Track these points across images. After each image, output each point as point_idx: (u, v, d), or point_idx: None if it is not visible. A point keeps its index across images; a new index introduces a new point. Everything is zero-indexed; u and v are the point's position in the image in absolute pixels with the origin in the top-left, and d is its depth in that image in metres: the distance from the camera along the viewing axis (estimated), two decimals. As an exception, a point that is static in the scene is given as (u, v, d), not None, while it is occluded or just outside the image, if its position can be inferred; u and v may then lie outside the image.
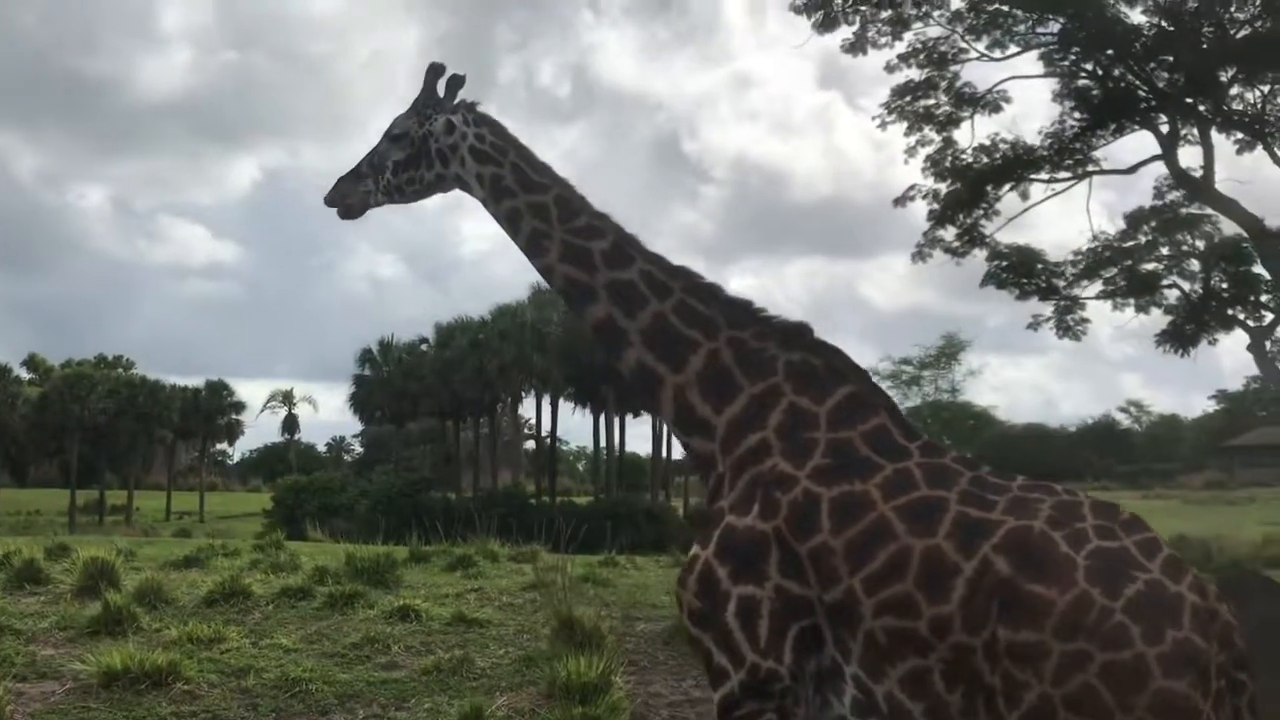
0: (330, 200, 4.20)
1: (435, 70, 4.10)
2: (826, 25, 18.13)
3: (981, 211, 19.54)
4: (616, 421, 64.79)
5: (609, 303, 3.76)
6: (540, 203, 3.91)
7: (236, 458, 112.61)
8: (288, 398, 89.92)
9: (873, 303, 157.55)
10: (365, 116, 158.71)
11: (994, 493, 3.13)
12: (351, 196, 4.16)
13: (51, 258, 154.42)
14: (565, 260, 3.84)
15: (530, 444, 71.57)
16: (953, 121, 18.80)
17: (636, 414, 67.00)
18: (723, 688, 3.27)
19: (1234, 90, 20.05)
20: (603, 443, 67.71)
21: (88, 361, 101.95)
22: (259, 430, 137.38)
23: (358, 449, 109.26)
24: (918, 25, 18.33)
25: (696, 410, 3.62)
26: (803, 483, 3.26)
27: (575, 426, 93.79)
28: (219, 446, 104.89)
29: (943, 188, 19.40)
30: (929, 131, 18.92)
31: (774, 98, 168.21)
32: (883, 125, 19.28)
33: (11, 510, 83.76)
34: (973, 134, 18.85)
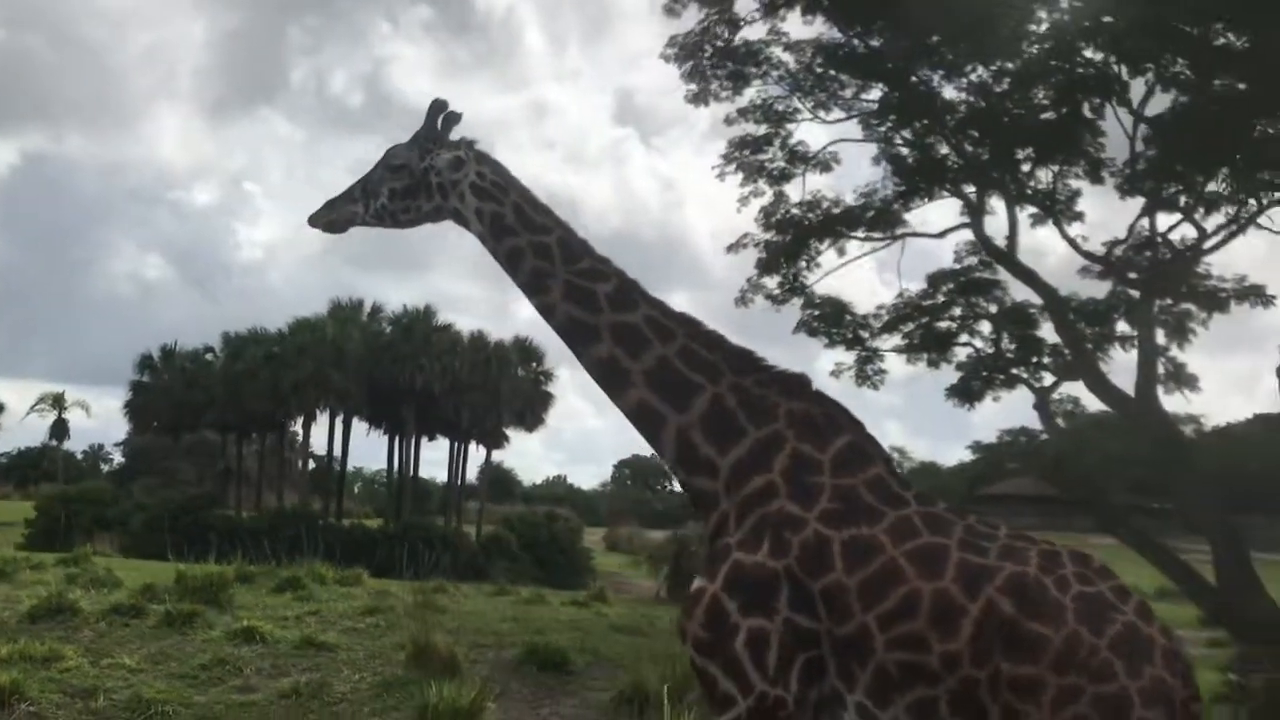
0: (314, 220, 4.25)
1: (438, 107, 4.23)
2: (699, 98, 19.09)
3: (804, 264, 20.54)
4: (410, 444, 63.72)
5: (612, 343, 3.95)
6: (543, 243, 4.08)
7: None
8: (58, 401, 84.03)
9: None
10: (140, 108, 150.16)
11: (986, 540, 3.51)
12: (337, 214, 4.23)
13: None
14: (568, 300, 4.01)
15: (306, 463, 69.33)
16: (785, 177, 19.78)
17: (432, 437, 66.14)
18: (729, 713, 3.51)
19: (1029, 169, 21.77)
20: (390, 465, 66.56)
21: None
22: (9, 434, 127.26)
23: (118, 459, 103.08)
24: (757, 83, 19.24)
25: (700, 450, 3.85)
26: (812, 524, 3.55)
27: (356, 448, 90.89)
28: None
29: (768, 237, 20.29)
30: (762, 184, 19.81)
31: (570, 128, 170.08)
32: (721, 175, 20.11)
33: None
34: (803, 190, 19.87)
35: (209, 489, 66.16)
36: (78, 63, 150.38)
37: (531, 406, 61.74)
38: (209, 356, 66.21)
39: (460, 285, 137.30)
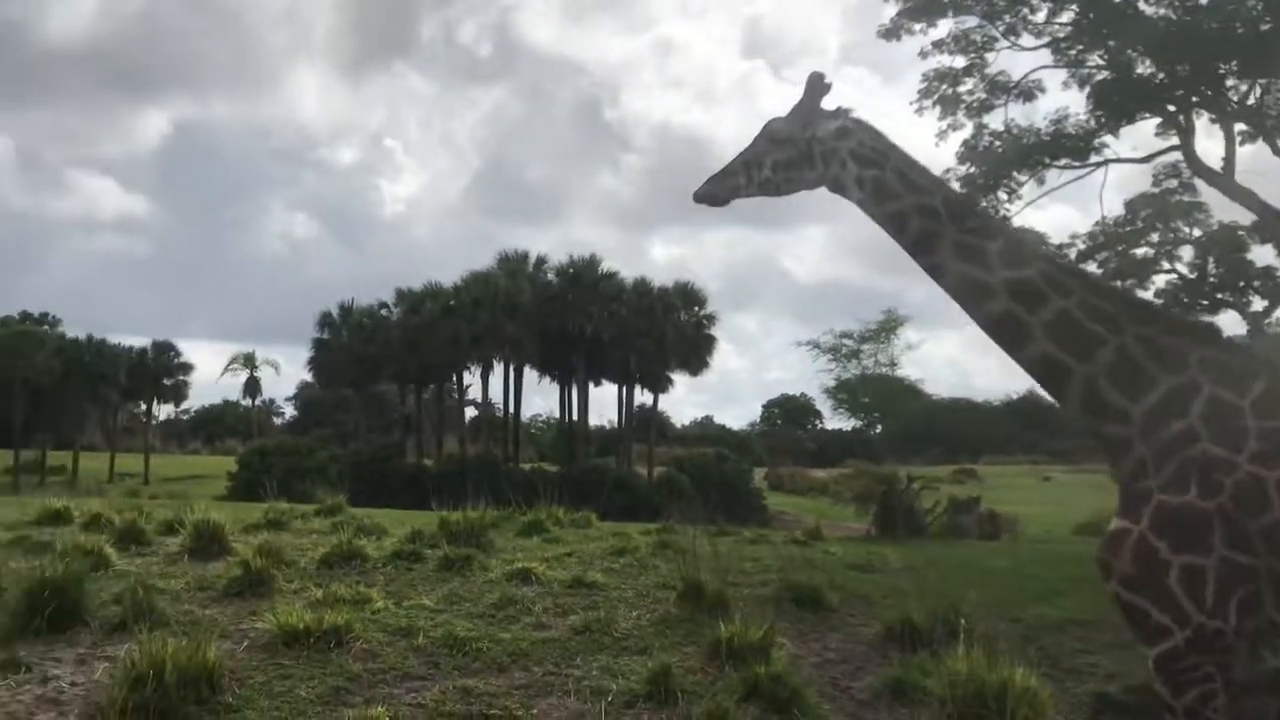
0: (699, 195, 4.56)
1: (815, 80, 4.47)
2: (892, 32, 18.77)
3: (1005, 196, 20.21)
4: (576, 391, 65.19)
5: (1008, 299, 4.15)
6: (927, 205, 4.29)
7: (163, 418, 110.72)
8: (249, 360, 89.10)
9: (792, 274, 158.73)
10: (278, 69, 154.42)
11: None
12: (720, 189, 4.53)
13: None
14: (959, 258, 4.22)
15: (487, 411, 71.62)
16: (985, 108, 19.45)
17: (598, 383, 67.48)
18: (1164, 644, 3.74)
19: (1236, 84, 20.81)
20: (562, 411, 68.27)
21: (12, 319, 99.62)
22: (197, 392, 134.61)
23: (289, 413, 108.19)
24: (952, 14, 18.87)
25: (1109, 399, 4.04)
26: (1244, 466, 3.73)
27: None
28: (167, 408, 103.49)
29: (965, 170, 20.01)
30: (961, 116, 19.53)
31: (697, 66, 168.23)
32: (919, 110, 19.87)
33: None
34: (1005, 120, 19.49)
35: (393, 439, 69.16)
36: (218, 27, 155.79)
37: (695, 350, 62.42)
38: (384, 312, 68.72)
39: (594, 231, 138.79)
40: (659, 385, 65.48)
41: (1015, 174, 20.01)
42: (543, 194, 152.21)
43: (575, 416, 66.26)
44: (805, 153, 4.40)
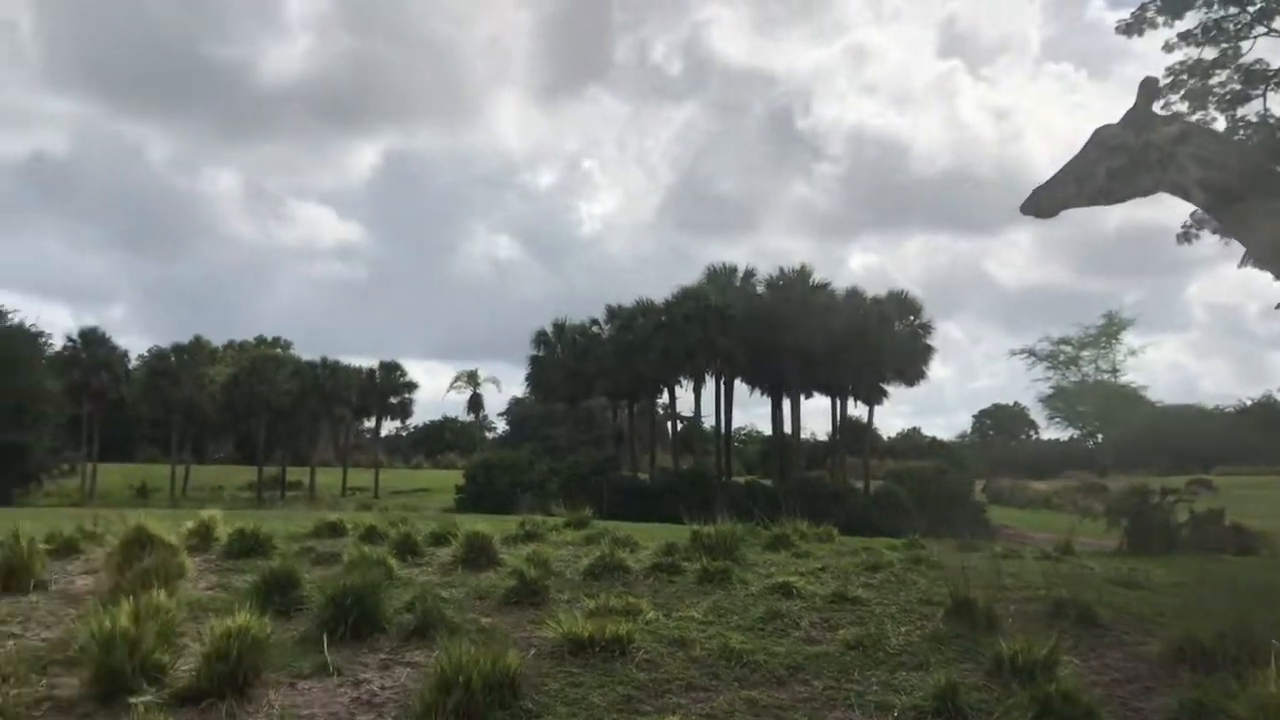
0: (1026, 208, 4.54)
1: (1149, 84, 4.38)
2: (1133, 27, 17.98)
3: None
4: (788, 404, 64.83)
5: None
6: (1277, 208, 4.15)
7: (384, 434, 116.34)
8: (472, 378, 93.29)
9: (997, 280, 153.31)
10: (479, 99, 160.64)
11: None
12: (1047, 201, 4.49)
13: (187, 241, 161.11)
14: None
15: (697, 424, 72.15)
16: (1240, 99, 18.33)
17: (809, 395, 66.96)
18: None
19: None
20: (774, 425, 67.96)
21: (249, 343, 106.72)
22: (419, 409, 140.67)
23: (500, 428, 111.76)
24: (1201, 4, 17.91)
25: None
26: None
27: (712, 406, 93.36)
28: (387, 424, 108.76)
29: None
30: (1212, 110, 18.46)
31: (892, 69, 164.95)
32: (1165, 106, 18.87)
33: (197, 485, 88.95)
34: (1262, 110, 18.31)
35: (603, 452, 70.59)
36: (422, 61, 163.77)
37: (912, 360, 61.15)
38: (594, 329, 70.40)
39: (789, 241, 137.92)
40: (873, 397, 64.49)
41: (1276, 167, 18.72)
42: (736, 206, 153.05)
43: (787, 429, 65.99)
44: (1140, 159, 4.32)
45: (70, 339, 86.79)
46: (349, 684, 7.73)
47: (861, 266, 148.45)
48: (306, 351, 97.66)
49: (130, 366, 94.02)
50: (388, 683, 7.76)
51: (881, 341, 58.11)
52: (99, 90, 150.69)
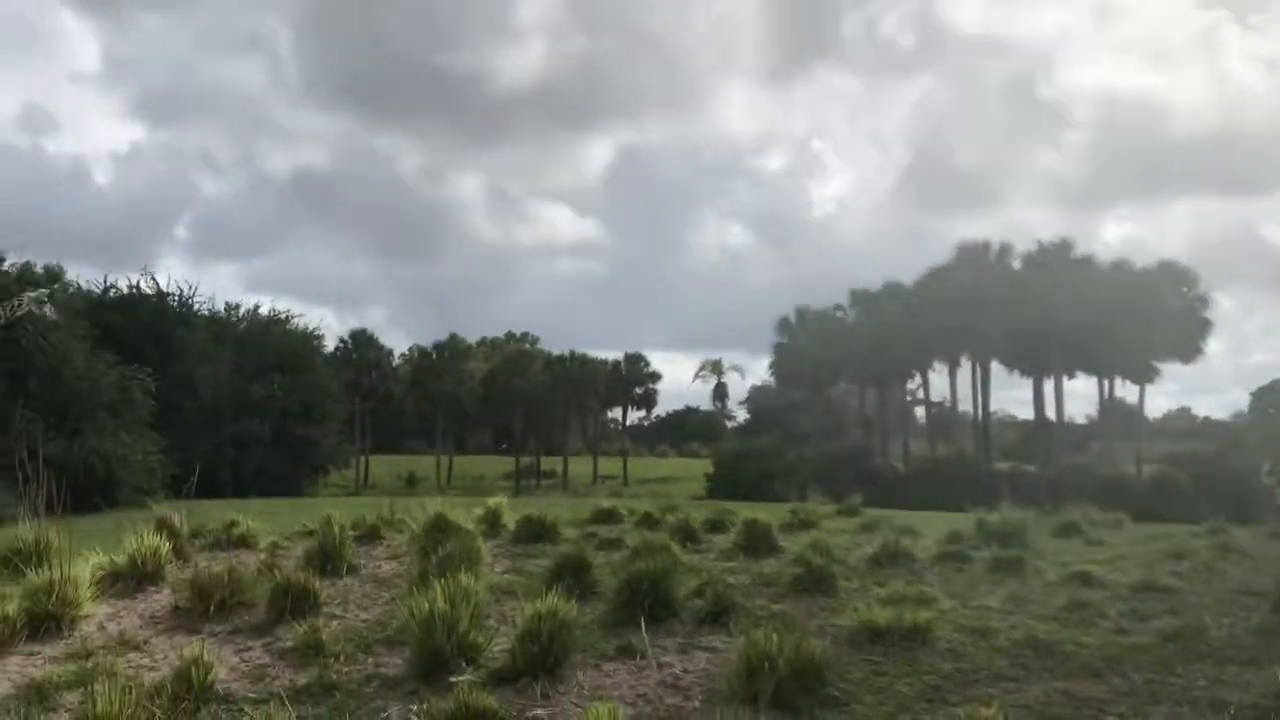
0: None
1: None
2: None
3: None
4: (1052, 385, 61.93)
5: None
6: None
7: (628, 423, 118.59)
8: (716, 367, 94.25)
9: (1275, 244, 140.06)
10: (705, 88, 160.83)
11: None
12: None
13: (437, 244, 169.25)
14: None
15: (953, 408, 69.97)
16: None
17: (1072, 375, 63.71)
18: None
19: None
20: (1037, 407, 65.06)
21: (500, 340, 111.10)
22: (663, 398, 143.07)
23: (740, 416, 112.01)
24: None
25: None
26: None
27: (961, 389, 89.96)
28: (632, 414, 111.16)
29: None
30: None
31: (1145, 24, 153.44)
32: None
33: (459, 475, 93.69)
34: None
35: (849, 439, 69.62)
36: (648, 55, 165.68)
37: (1187, 335, 57.15)
38: (838, 314, 69.43)
39: (1034, 213, 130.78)
40: (1143, 376, 60.71)
41: None
42: (975, 181, 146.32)
43: (1050, 412, 63.10)
44: None
45: (342, 340, 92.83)
46: (651, 666, 7.86)
47: (1117, 238, 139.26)
48: (554, 345, 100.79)
49: (394, 365, 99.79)
50: (689, 666, 7.85)
51: (1152, 316, 54.55)
52: (351, 106, 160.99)
